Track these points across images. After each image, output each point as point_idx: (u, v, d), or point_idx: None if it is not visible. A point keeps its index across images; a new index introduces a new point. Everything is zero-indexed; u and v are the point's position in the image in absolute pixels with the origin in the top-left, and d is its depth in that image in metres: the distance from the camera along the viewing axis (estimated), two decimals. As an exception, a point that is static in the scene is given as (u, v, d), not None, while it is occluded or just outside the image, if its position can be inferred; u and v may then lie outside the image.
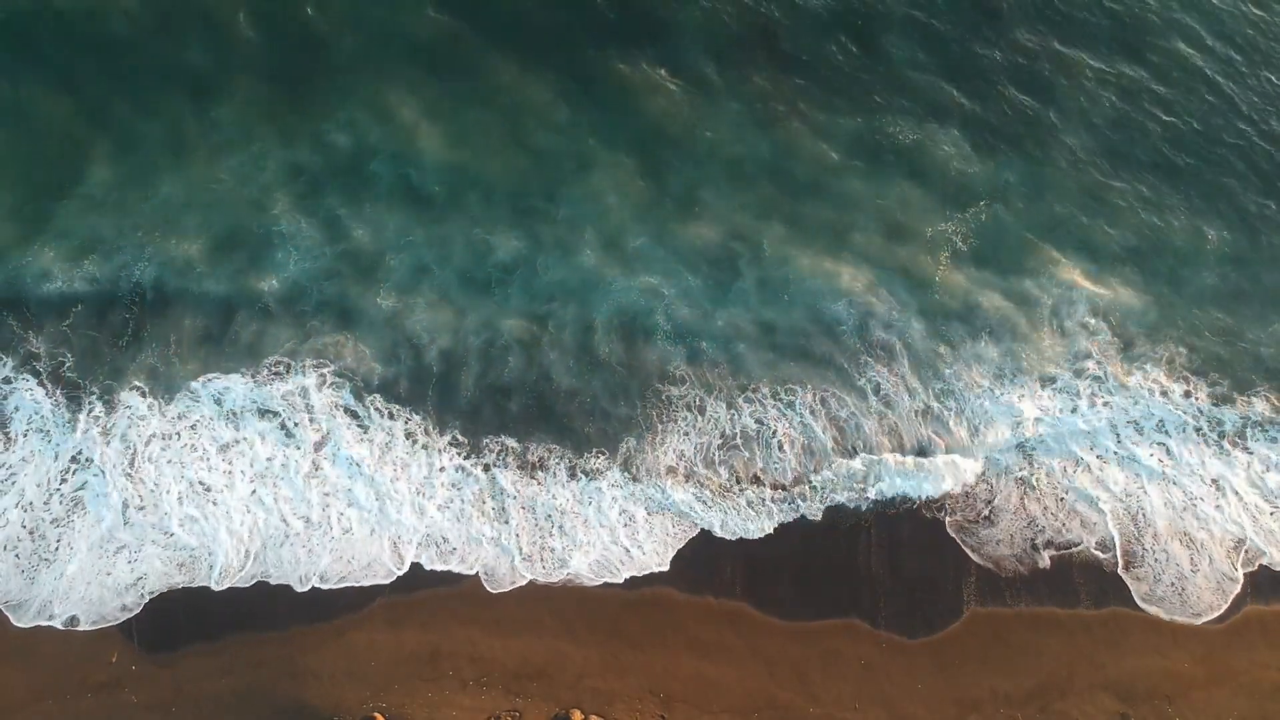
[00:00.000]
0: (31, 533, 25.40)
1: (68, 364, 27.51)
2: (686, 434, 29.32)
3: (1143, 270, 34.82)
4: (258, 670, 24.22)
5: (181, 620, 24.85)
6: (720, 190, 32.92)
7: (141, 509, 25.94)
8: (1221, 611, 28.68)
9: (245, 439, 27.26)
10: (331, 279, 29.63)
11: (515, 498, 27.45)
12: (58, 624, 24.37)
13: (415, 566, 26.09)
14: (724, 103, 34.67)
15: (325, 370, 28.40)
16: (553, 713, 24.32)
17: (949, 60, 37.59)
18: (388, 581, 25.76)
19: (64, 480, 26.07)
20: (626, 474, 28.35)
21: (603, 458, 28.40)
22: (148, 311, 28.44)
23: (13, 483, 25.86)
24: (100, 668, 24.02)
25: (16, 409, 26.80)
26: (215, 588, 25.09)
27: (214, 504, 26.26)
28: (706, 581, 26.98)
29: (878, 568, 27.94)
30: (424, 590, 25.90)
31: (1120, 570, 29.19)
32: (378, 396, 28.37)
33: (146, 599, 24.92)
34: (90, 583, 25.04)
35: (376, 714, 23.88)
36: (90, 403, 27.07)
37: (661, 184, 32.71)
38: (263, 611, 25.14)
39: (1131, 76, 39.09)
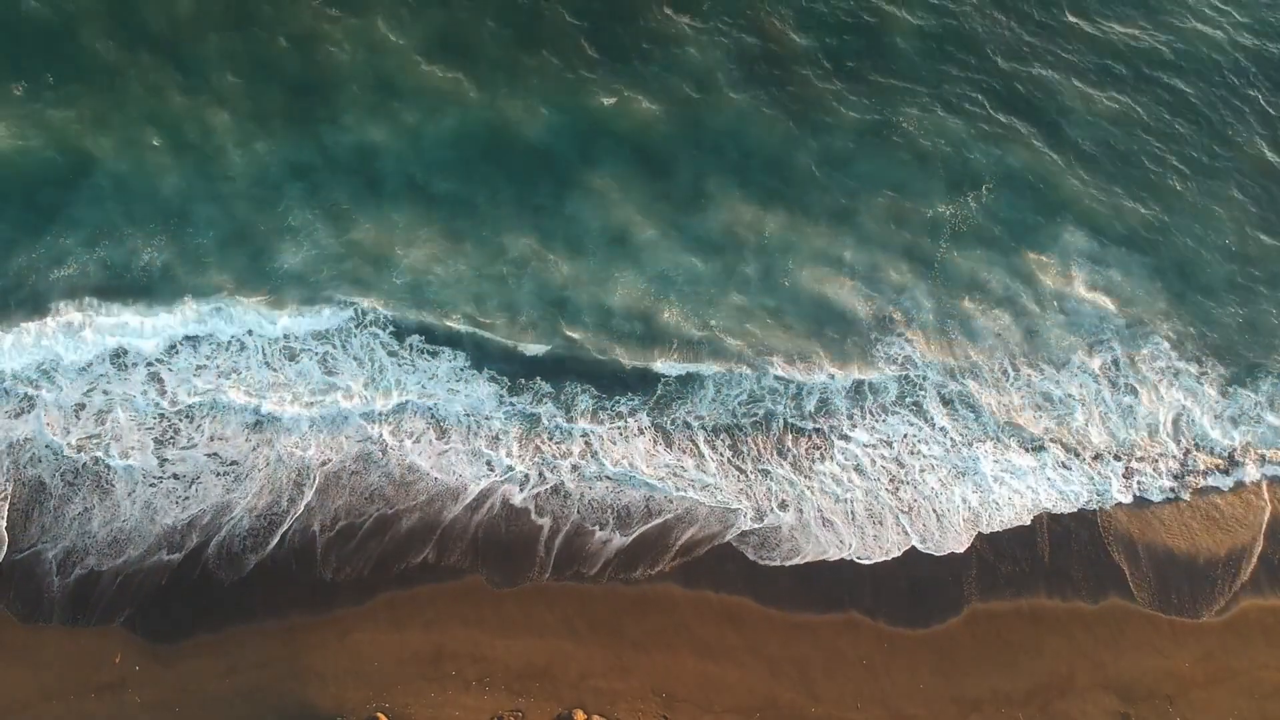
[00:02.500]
0: (59, 473, 24.79)
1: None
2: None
3: (1149, 255, 33.43)
4: (261, 670, 23.55)
5: (184, 617, 24.06)
6: (724, 181, 31.27)
7: (190, 446, 25.36)
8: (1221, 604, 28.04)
9: (284, 372, 26.60)
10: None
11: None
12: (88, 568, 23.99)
13: (419, 564, 25.21)
14: (727, 95, 32.75)
15: (359, 306, 27.52)
16: (555, 712, 23.72)
17: (952, 47, 35.57)
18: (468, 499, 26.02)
19: (83, 408, 25.29)
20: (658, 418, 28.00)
21: (635, 400, 28.08)
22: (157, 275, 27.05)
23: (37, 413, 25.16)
24: (104, 668, 23.35)
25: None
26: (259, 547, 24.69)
27: (271, 429, 25.95)
28: (708, 576, 26.16)
29: (878, 561, 27.12)
30: (424, 586, 25.08)
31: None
32: (416, 337, 27.66)
33: (194, 541, 24.57)
34: (128, 518, 24.56)
35: (380, 714, 23.28)
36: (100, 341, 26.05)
37: (669, 176, 31.04)
38: (265, 606, 24.35)
39: (1139, 63, 37.13)
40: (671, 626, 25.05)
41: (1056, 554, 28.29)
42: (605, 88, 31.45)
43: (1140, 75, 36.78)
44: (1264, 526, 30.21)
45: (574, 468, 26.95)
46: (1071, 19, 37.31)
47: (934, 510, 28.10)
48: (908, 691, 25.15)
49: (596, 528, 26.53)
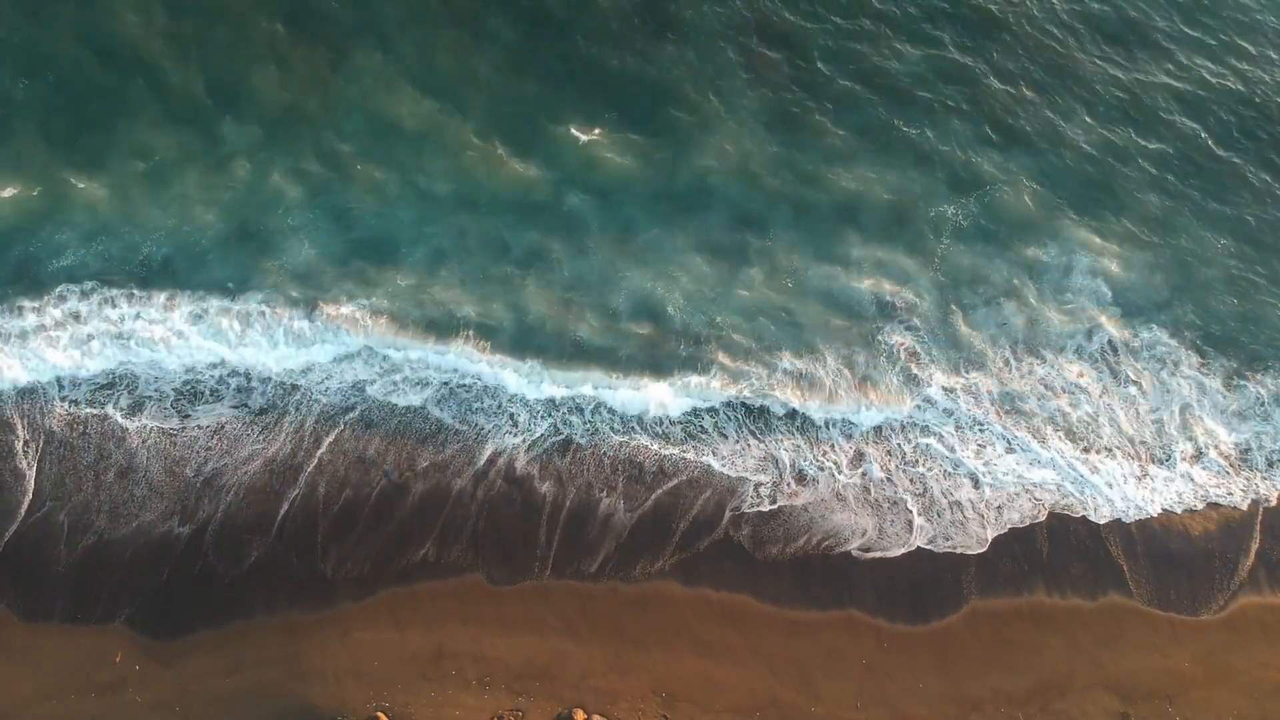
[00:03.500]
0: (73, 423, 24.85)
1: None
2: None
3: (1149, 252, 32.93)
4: (262, 669, 23.13)
5: (184, 616, 23.62)
6: (729, 181, 30.63)
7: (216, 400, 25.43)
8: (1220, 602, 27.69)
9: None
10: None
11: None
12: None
13: (420, 560, 24.75)
14: (732, 98, 32.09)
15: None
16: (556, 712, 23.32)
17: (955, 51, 34.89)
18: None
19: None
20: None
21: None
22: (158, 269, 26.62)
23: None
24: (104, 667, 22.92)
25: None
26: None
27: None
28: (708, 574, 25.71)
29: (876, 561, 26.69)
30: (424, 583, 24.63)
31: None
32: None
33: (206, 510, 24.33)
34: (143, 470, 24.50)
35: (380, 713, 22.90)
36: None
37: (672, 177, 30.44)
38: (265, 605, 23.90)
39: (1140, 69, 36.55)
40: (672, 625, 24.63)
41: (1056, 550, 27.92)
42: (605, 98, 30.98)
43: (1140, 82, 36.29)
44: (1260, 521, 29.80)
45: (590, 426, 26.82)
46: (1068, 28, 36.76)
47: (948, 503, 27.69)
48: (908, 691, 24.77)
49: (603, 495, 26.15)
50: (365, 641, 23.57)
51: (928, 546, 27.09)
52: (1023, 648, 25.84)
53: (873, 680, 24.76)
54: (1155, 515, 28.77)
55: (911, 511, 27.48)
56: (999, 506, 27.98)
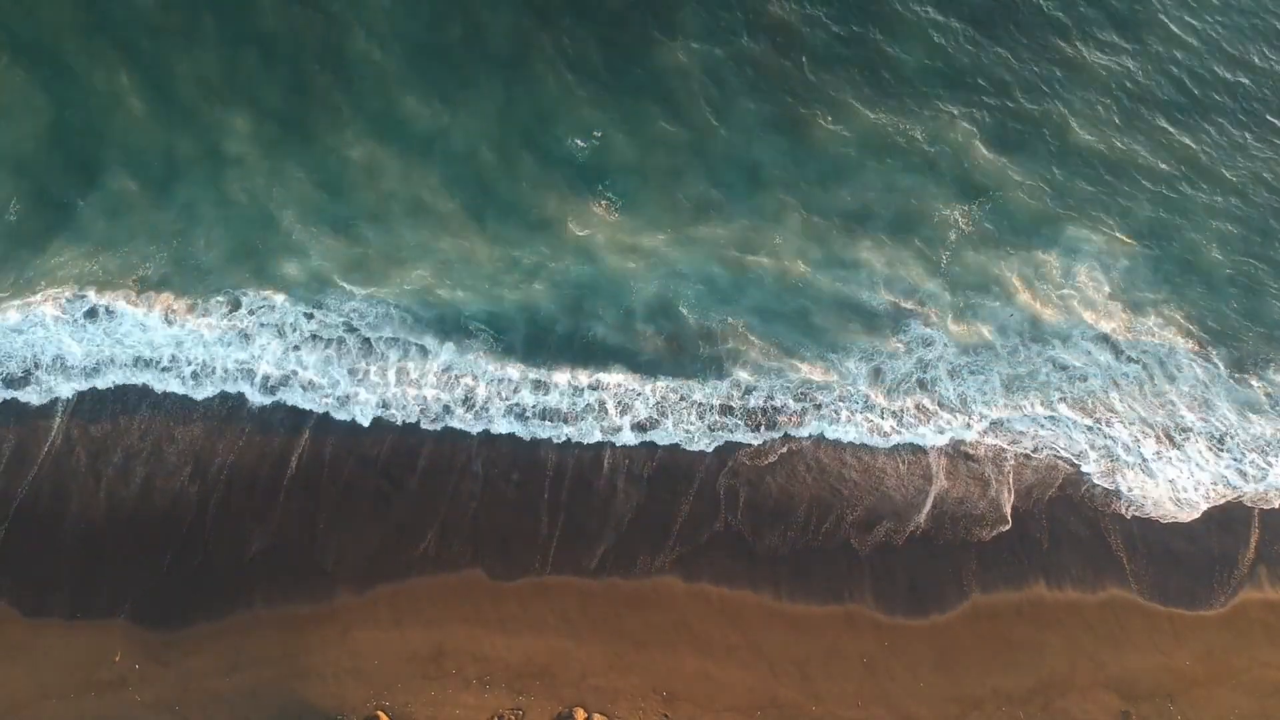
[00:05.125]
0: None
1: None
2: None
3: (1156, 248, 32.23)
4: (262, 669, 22.72)
5: (184, 614, 23.18)
6: (734, 187, 29.97)
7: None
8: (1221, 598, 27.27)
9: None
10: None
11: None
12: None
13: (420, 554, 24.26)
14: (738, 102, 31.04)
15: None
16: (556, 711, 22.92)
17: (958, 55, 33.89)
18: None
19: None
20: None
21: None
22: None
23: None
24: (104, 666, 22.53)
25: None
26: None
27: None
28: (707, 569, 25.23)
29: (876, 554, 26.17)
30: (424, 579, 24.18)
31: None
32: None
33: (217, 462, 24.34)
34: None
35: (380, 712, 22.51)
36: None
37: (679, 182, 29.69)
38: (265, 603, 23.44)
39: (1141, 67, 35.62)
40: (671, 624, 24.17)
41: (1056, 546, 27.42)
42: (612, 103, 30.08)
43: (1141, 79, 35.42)
44: (1258, 515, 29.30)
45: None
46: (1071, 28, 35.79)
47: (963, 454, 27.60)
48: (908, 690, 24.35)
49: (607, 451, 25.97)
50: (365, 640, 23.14)
51: (939, 524, 26.60)
52: (1023, 646, 25.40)
53: (873, 679, 24.33)
54: (1197, 518, 28.37)
55: (928, 454, 27.04)
56: (1016, 477, 27.66)
